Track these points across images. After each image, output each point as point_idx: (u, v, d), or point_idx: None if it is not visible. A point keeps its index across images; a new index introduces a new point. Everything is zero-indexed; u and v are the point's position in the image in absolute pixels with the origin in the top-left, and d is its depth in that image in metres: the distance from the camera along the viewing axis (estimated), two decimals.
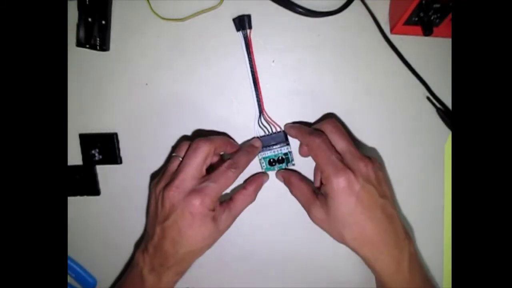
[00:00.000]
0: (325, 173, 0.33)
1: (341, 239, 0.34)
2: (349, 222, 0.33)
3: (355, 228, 0.33)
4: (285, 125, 0.40)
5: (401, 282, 0.34)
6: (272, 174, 0.41)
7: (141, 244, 0.38)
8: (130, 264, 0.41)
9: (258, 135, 0.40)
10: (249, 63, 0.39)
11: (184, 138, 0.41)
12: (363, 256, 0.34)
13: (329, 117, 0.36)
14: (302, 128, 0.37)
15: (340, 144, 0.34)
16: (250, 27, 0.38)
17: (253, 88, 0.39)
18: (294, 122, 0.40)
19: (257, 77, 0.39)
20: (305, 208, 0.36)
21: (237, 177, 0.35)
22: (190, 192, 0.33)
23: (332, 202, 0.33)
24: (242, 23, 0.38)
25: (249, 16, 0.38)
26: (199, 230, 0.34)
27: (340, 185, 0.32)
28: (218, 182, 0.34)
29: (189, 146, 0.35)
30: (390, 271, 0.34)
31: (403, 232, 0.34)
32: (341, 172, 0.32)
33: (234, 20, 0.38)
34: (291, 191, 0.38)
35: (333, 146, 0.34)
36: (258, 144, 0.39)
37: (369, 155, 0.35)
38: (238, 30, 0.38)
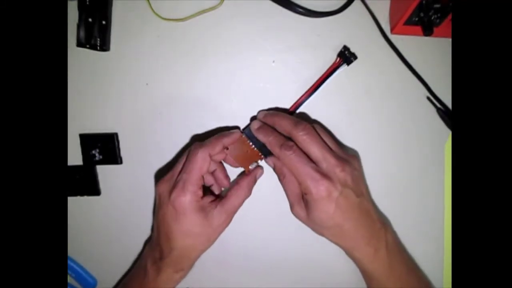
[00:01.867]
0: (303, 185, 0.33)
1: (320, 234, 0.36)
2: (328, 225, 0.34)
3: (334, 228, 0.35)
4: (253, 123, 0.37)
5: (381, 267, 0.36)
6: (266, 169, 0.41)
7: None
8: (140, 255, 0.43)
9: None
10: (322, 81, 0.39)
11: (186, 139, 0.41)
12: (343, 247, 0.36)
13: (302, 122, 0.34)
14: (270, 135, 0.36)
15: (314, 152, 0.34)
16: (347, 64, 0.38)
17: (299, 99, 0.39)
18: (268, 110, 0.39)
19: (310, 92, 0.39)
20: (289, 201, 0.37)
21: (205, 153, 0.34)
22: (172, 188, 0.34)
23: (312, 209, 0.34)
24: (349, 59, 0.38)
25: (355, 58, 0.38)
26: (186, 224, 0.34)
27: (320, 195, 0.32)
28: (186, 168, 0.34)
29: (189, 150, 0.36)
30: (369, 259, 0.36)
31: (379, 223, 0.36)
32: (319, 182, 0.32)
33: (345, 50, 0.38)
34: (280, 180, 0.37)
35: (305, 155, 0.34)
36: (237, 132, 0.38)
37: (347, 153, 0.35)
38: (340, 56, 0.38)
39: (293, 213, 0.37)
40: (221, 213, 0.35)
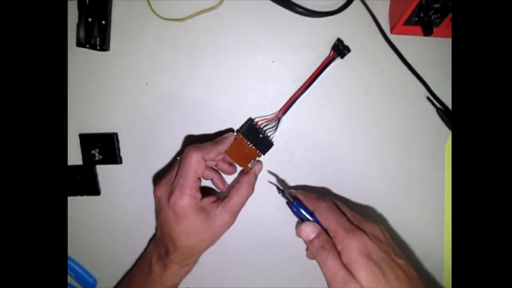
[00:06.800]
0: (338, 236, 0.32)
1: None
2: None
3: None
4: (290, 192, 0.37)
5: None
6: (266, 168, 0.41)
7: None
8: (144, 252, 0.43)
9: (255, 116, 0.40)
10: (315, 77, 0.39)
11: (187, 139, 0.41)
12: None
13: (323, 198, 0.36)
14: (308, 194, 0.36)
15: (343, 210, 0.35)
16: (341, 57, 0.38)
17: (295, 93, 0.39)
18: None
19: (306, 86, 0.39)
20: (337, 283, 0.31)
21: (199, 156, 0.34)
22: (170, 193, 0.34)
23: (353, 264, 0.31)
24: (343, 52, 0.38)
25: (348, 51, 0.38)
26: (188, 226, 0.34)
27: (354, 244, 0.31)
28: (181, 172, 0.34)
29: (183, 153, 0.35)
30: None
31: None
32: (353, 232, 0.32)
33: (339, 43, 0.38)
34: (320, 253, 0.33)
35: (340, 209, 0.35)
36: (230, 136, 0.38)
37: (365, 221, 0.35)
38: (334, 49, 0.38)
39: None
40: (224, 212, 0.35)
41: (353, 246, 0.31)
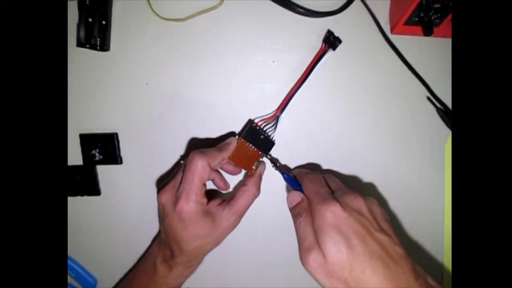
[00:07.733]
0: (313, 204, 0.32)
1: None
2: (341, 259, 0.28)
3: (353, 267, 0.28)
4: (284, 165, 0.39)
5: None
6: (271, 168, 0.41)
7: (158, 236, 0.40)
8: (147, 252, 0.43)
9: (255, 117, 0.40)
10: (309, 71, 0.38)
11: (187, 139, 0.41)
12: None
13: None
14: (302, 169, 0.37)
15: (331, 183, 0.34)
16: (333, 49, 0.38)
17: (291, 89, 0.39)
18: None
19: (301, 81, 0.39)
20: (303, 249, 0.30)
21: (204, 162, 0.33)
22: (176, 199, 0.34)
23: (321, 236, 0.29)
24: (334, 43, 0.37)
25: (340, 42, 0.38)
26: (194, 230, 0.34)
27: (323, 212, 0.30)
28: (187, 179, 0.34)
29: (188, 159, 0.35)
30: None
31: (413, 273, 0.28)
32: (325, 201, 0.30)
33: (330, 35, 0.38)
34: (296, 219, 0.33)
35: (325, 183, 0.34)
36: (233, 142, 0.37)
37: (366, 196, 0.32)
38: (325, 42, 0.38)
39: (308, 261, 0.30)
40: (230, 215, 0.35)
41: (322, 214, 0.30)
